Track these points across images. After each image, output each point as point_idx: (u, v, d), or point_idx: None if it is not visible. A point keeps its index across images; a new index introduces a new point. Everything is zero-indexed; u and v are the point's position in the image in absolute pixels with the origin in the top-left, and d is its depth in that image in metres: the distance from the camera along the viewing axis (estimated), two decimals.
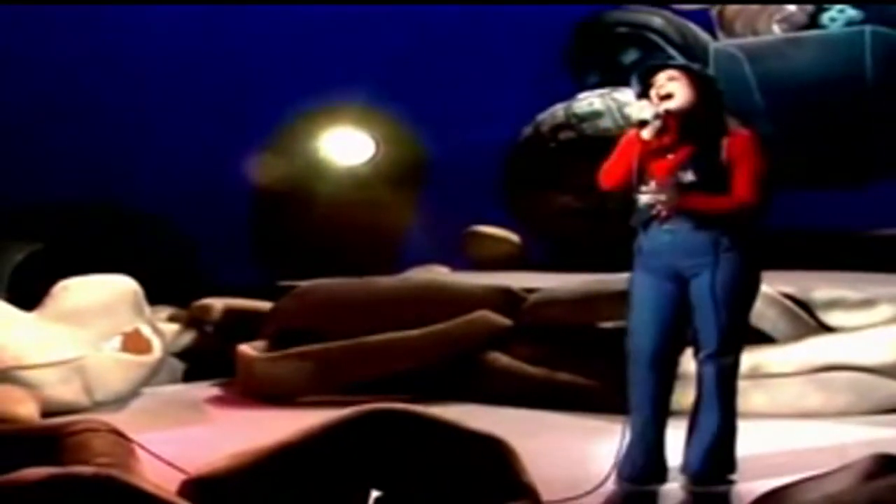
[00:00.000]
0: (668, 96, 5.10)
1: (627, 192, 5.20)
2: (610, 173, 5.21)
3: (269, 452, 3.98)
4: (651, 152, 5.09)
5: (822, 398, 6.68)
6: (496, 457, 3.89)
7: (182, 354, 8.80)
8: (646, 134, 5.09)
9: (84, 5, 10.87)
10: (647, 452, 5.20)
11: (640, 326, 5.14)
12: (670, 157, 5.11)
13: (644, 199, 5.06)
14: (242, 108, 11.01)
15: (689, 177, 5.06)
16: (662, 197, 5.02)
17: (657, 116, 5.08)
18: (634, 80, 5.26)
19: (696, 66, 5.40)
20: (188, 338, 8.92)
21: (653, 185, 5.04)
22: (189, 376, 8.73)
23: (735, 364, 5.19)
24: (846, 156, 9.43)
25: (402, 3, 11.20)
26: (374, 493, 4.00)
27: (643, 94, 5.20)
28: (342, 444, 3.96)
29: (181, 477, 4.42)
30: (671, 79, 5.14)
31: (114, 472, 3.41)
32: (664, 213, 5.07)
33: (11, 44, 10.82)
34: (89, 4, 10.90)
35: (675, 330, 5.17)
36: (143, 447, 4.77)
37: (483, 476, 3.88)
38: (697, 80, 5.18)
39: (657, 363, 5.14)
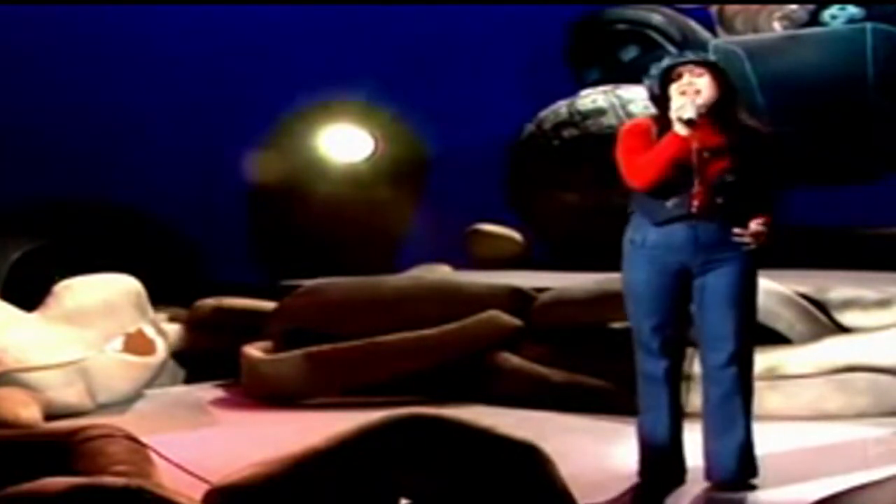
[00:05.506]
0: (697, 92, 5.03)
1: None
2: (647, 170, 5.08)
3: (295, 460, 3.86)
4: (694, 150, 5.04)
5: (842, 400, 6.59)
6: (531, 464, 3.79)
7: (183, 355, 8.67)
8: (683, 131, 5.02)
9: (83, 5, 10.76)
10: (663, 453, 5.12)
11: (644, 318, 5.12)
12: (717, 157, 5.05)
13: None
14: (240, 105, 10.89)
15: (730, 178, 5.03)
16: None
17: (700, 114, 5.01)
18: (654, 77, 5.13)
19: (714, 59, 5.34)
20: (189, 338, 8.79)
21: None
22: (191, 377, 8.60)
23: (752, 363, 5.16)
24: (847, 153, 9.37)
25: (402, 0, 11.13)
26: (404, 502, 3.91)
27: (662, 90, 5.11)
28: (370, 451, 3.85)
29: (196, 482, 4.32)
30: (698, 75, 5.06)
31: (144, 483, 3.28)
32: (696, 210, 5.02)
33: (12, 43, 10.70)
34: (89, 4, 10.79)
35: (679, 322, 5.13)
36: (159, 453, 4.65)
37: (517, 484, 3.78)
38: (718, 75, 5.10)
39: (664, 354, 5.09)
